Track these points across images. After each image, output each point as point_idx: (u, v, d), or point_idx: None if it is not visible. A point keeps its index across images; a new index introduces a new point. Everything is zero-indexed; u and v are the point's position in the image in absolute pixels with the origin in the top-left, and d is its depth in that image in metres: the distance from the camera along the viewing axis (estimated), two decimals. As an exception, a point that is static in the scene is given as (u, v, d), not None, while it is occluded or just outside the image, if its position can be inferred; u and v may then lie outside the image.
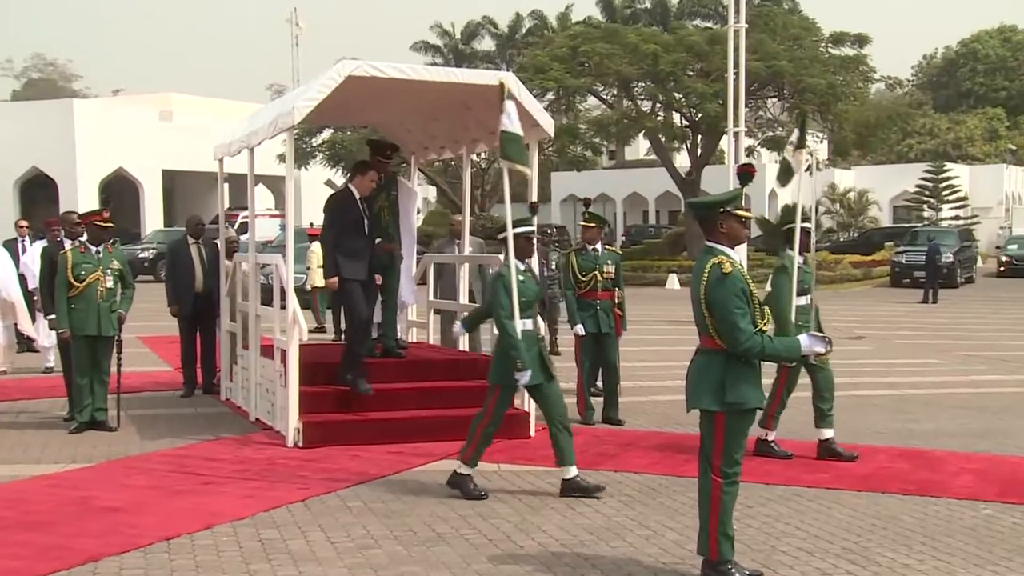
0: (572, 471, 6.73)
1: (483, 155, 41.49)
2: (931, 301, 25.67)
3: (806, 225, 8.02)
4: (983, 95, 74.86)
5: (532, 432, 8.69)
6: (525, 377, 6.64)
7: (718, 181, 22.45)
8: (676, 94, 33.02)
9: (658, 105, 34.76)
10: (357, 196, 8.57)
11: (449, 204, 41.98)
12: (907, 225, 44.98)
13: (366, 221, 8.59)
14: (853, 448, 7.94)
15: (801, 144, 7.84)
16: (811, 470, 7.45)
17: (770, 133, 35.22)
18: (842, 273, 32.74)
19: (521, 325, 6.66)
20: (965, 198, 51.10)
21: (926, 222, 47.44)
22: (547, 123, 8.85)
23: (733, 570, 4.99)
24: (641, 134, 35.55)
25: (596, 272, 9.36)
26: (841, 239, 47.09)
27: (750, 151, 34.87)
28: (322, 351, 10.18)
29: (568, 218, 54.51)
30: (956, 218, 49.56)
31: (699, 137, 34.76)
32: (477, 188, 44.15)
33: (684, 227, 37.17)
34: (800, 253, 7.80)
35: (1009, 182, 56.32)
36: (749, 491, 6.84)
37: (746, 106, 26.09)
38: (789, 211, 8.66)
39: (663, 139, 35.21)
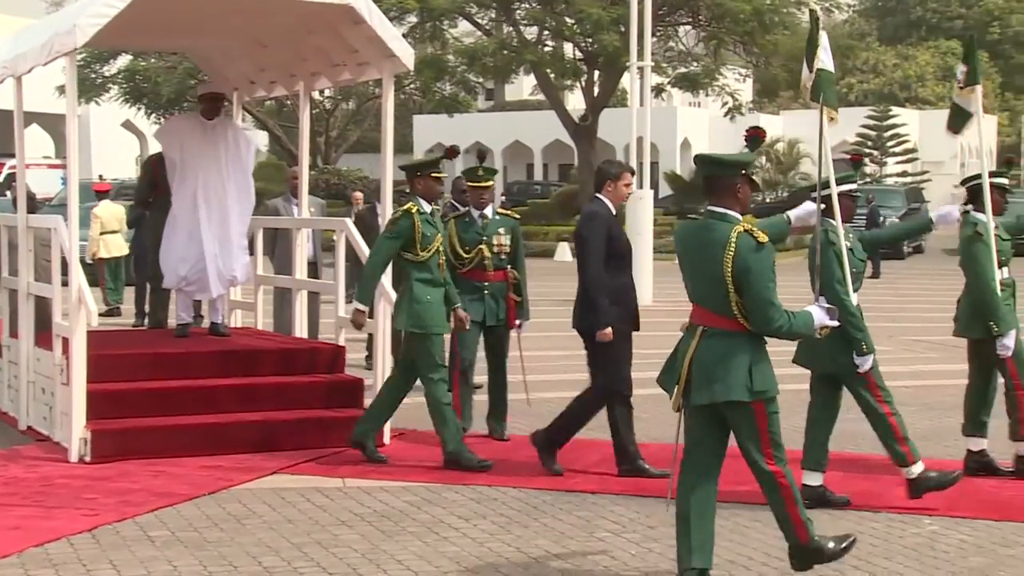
0: None
1: (326, 93, 41.21)
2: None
3: (1000, 181, 7.86)
4: (936, 25, 77.63)
5: (387, 439, 8.72)
6: (869, 362, 6.89)
7: (619, 127, 22.80)
8: (567, 19, 33.24)
9: (546, 33, 34.95)
10: (614, 211, 7.93)
11: (285, 154, 41.47)
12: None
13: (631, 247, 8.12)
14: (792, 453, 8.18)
15: (973, 79, 7.79)
16: (725, 482, 7.65)
17: (683, 69, 35.80)
18: (769, 241, 33.65)
19: (855, 299, 6.89)
20: (914, 150, 53.06)
21: (867, 179, 49.06)
22: (405, 53, 8.83)
23: (826, 542, 5.56)
24: (523, 69, 35.65)
25: (483, 246, 8.85)
26: (768, 199, 48.30)
27: (658, 90, 35.42)
28: (116, 339, 9.97)
29: (435, 172, 54.54)
30: (903, 174, 51.41)
31: (596, 73, 35.09)
32: (320, 135, 43.76)
33: (578, 185, 37.56)
34: (994, 215, 7.70)
35: (965, 132, 58.63)
36: (651, 508, 7.01)
37: (653, 35, 26.42)
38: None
39: (552, 75, 35.41)
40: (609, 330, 7.62)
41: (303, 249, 10.53)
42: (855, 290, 6.99)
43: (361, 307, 8.17)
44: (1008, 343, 7.59)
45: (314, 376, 9.10)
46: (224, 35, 10.25)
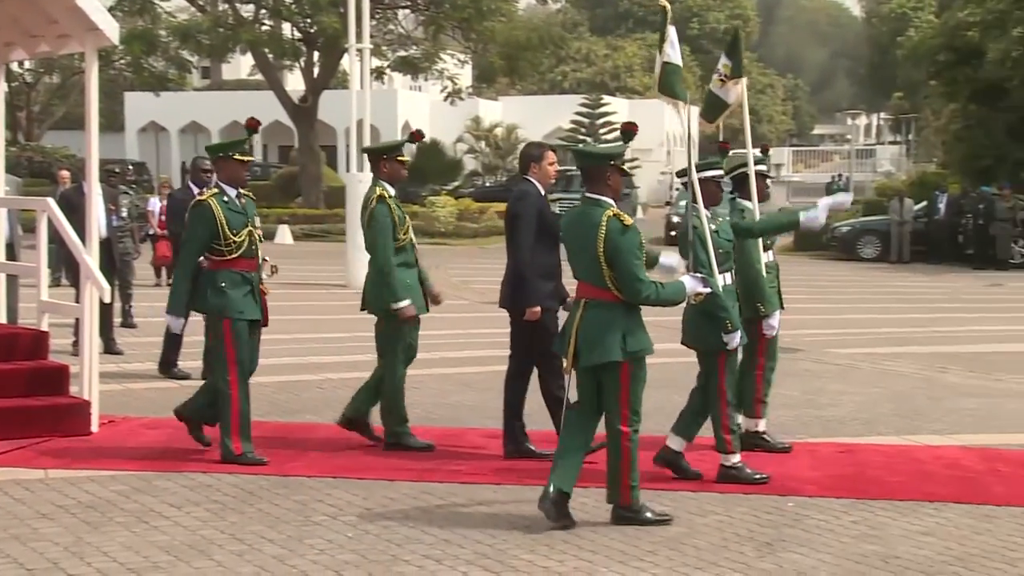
0: None
1: (27, 65, 39.05)
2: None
3: (762, 168, 8.12)
4: (642, 18, 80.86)
5: (95, 427, 8.37)
6: (736, 339, 7.15)
7: (340, 109, 22.63)
8: (286, -1, 32.72)
9: (263, 11, 34.27)
10: (542, 191, 7.77)
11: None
12: (561, 168, 47.62)
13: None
14: (496, 432, 8.36)
15: (737, 71, 7.87)
16: (444, 463, 7.75)
17: (402, 52, 35.88)
18: (487, 225, 34.08)
19: (721, 280, 7.18)
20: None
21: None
22: (109, 26, 8.46)
23: (645, 511, 6.35)
24: (240, 48, 34.86)
25: (250, 228, 7.74)
26: (487, 184, 49.15)
27: (379, 73, 35.39)
28: None
29: (149, 152, 52.60)
30: (614, 161, 53.17)
31: (316, 54, 34.72)
32: (20, 109, 41.51)
33: (299, 167, 37.08)
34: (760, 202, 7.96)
35: (670, 120, 61.28)
36: (369, 491, 7.02)
37: (372, 18, 26.37)
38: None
39: (270, 55, 34.81)
40: (538, 308, 7.54)
41: (0, 230, 9.95)
42: (726, 270, 7.35)
43: (403, 304, 7.86)
44: (773, 323, 7.99)
45: (13, 363, 8.62)
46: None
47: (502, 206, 40.85)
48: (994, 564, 5.86)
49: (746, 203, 8.05)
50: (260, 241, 7.88)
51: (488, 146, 53.86)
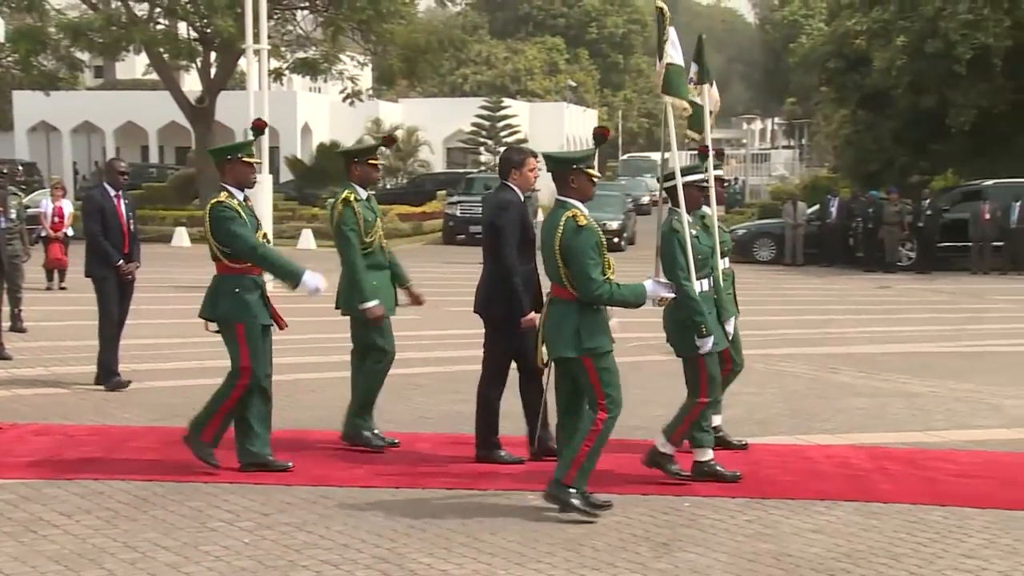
0: None
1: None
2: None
3: (720, 173, 8.19)
4: (542, 21, 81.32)
5: (-18, 435, 8.16)
6: (708, 344, 7.21)
7: (238, 110, 22.35)
8: (181, -2, 32.20)
9: (157, 10, 33.69)
10: (522, 198, 7.80)
11: None
12: (462, 171, 47.72)
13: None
14: (395, 436, 8.33)
15: (703, 77, 7.82)
16: (343, 466, 7.70)
17: (302, 54, 35.56)
18: (389, 227, 33.87)
19: (699, 286, 7.27)
20: (525, 140, 55.21)
21: (483, 168, 50.61)
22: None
23: (577, 499, 6.48)
24: (133, 47, 34.19)
25: (264, 232, 7.77)
26: (388, 186, 48.93)
27: (277, 75, 35.01)
28: None
29: (39, 152, 51.42)
30: (516, 164, 53.31)
31: (212, 55, 34.24)
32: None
33: (196, 169, 36.52)
34: (717, 206, 7.95)
35: (570, 123, 61.70)
36: (267, 496, 6.94)
37: (270, 19, 26.11)
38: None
39: (166, 55, 34.24)
40: (533, 314, 7.50)
41: None
42: (706, 275, 7.44)
43: (371, 304, 7.97)
44: (728, 328, 8.02)
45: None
46: None
47: (403, 208, 40.93)
48: (879, 560, 6.01)
49: (705, 209, 8.05)
50: (269, 243, 7.76)
51: (388, 148, 53.53)
